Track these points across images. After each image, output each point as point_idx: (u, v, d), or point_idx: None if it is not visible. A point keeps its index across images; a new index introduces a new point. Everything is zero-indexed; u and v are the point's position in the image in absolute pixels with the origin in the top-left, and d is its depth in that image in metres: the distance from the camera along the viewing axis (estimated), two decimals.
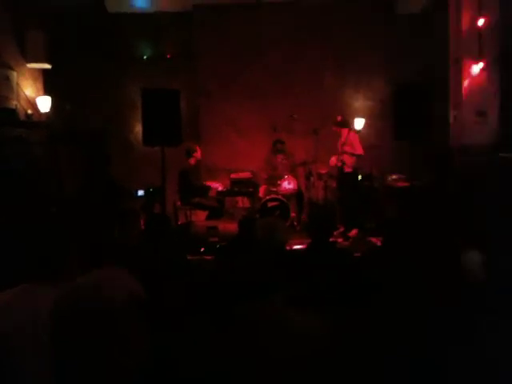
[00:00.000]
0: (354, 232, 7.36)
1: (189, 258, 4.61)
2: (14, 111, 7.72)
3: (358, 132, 8.33)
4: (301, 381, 1.74)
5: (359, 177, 7.97)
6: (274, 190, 8.31)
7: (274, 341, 1.83)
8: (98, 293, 1.44)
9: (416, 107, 6.29)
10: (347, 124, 8.10)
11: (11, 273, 2.48)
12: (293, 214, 8.21)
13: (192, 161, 7.93)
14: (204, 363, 1.77)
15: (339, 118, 8.02)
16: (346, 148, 7.83)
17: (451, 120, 7.63)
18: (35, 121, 8.16)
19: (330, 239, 4.03)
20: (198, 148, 8.03)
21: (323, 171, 8.41)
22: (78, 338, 1.41)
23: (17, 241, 2.78)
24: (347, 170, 7.87)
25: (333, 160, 8.01)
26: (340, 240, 6.96)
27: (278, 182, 8.39)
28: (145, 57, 9.13)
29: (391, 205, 7.30)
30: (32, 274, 2.37)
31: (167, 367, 1.71)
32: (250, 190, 8.44)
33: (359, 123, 8.72)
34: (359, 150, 7.87)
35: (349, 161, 7.84)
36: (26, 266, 2.37)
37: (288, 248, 5.64)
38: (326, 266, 3.45)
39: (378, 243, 5.89)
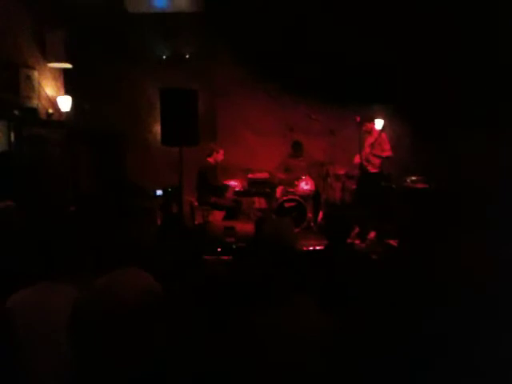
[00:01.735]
0: (371, 234, 7.30)
1: (206, 257, 4.62)
2: (35, 110, 7.81)
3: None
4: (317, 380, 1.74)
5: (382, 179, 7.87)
6: (291, 190, 8.30)
7: (283, 343, 1.83)
8: (119, 294, 1.45)
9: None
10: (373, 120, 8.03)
11: (28, 271, 2.51)
12: (309, 215, 8.19)
13: (211, 160, 7.96)
14: (220, 363, 1.77)
15: (358, 119, 7.97)
16: (375, 149, 7.77)
17: None
18: (55, 120, 8.25)
19: (347, 241, 4.01)
20: (221, 150, 8.04)
21: (341, 172, 8.38)
22: (99, 338, 1.43)
23: (35, 239, 2.81)
24: (372, 170, 7.82)
25: (357, 159, 7.93)
26: (357, 242, 6.92)
27: (296, 183, 8.37)
28: (164, 57, 9.17)
29: (409, 207, 7.24)
30: (49, 273, 2.40)
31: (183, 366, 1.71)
32: (267, 190, 8.45)
33: (379, 124, 8.65)
34: (388, 152, 7.81)
35: (376, 161, 7.79)
36: (43, 265, 2.40)
37: (305, 249, 5.63)
38: (343, 267, 3.43)
39: (395, 245, 5.84)
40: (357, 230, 7.32)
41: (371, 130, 7.95)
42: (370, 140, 7.91)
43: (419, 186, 7.54)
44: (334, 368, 1.74)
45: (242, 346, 1.78)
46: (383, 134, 7.96)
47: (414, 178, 7.82)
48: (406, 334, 1.99)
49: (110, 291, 1.51)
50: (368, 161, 7.80)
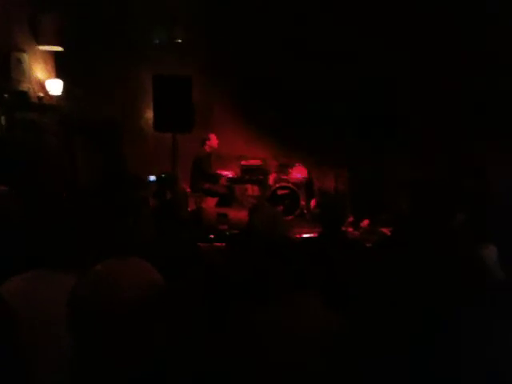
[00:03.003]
0: (365, 222, 7.31)
1: (199, 244, 4.60)
2: (25, 94, 7.71)
3: None
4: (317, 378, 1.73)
5: None
6: (284, 178, 8.29)
7: (281, 339, 1.81)
8: (117, 281, 1.43)
9: None
10: None
11: (23, 258, 2.48)
12: (302, 203, 8.19)
13: (207, 148, 7.94)
14: (220, 360, 1.76)
15: None
16: None
17: None
18: (46, 104, 8.15)
19: (341, 229, 4.01)
20: (212, 136, 8.00)
21: None
22: (96, 326, 1.40)
23: (30, 227, 2.77)
24: None
25: None
26: (350, 230, 6.93)
27: (289, 170, 8.36)
28: (157, 41, 9.07)
29: (403, 195, 7.25)
30: (44, 261, 2.37)
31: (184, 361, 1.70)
32: (260, 177, 8.43)
33: None
34: None
35: None
36: (39, 252, 2.37)
37: (298, 236, 5.64)
38: (337, 255, 3.43)
39: (389, 234, 5.85)
40: (351, 218, 7.34)
41: None
42: None
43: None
44: (334, 366, 1.73)
45: (244, 343, 1.77)
46: None
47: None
48: (404, 327, 1.98)
49: (107, 276, 1.48)
50: None
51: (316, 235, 4.12)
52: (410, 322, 1.90)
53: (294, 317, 1.85)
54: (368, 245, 4.28)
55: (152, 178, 7.73)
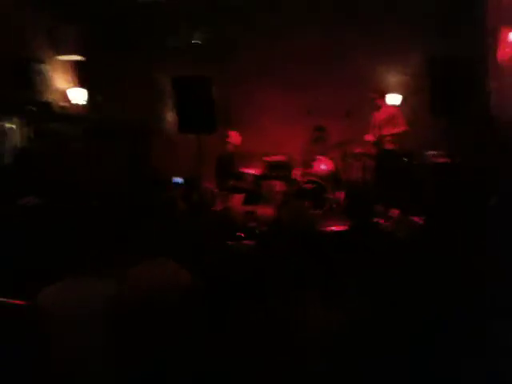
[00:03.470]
0: (395, 212, 7.19)
1: (229, 243, 4.58)
2: (47, 104, 7.80)
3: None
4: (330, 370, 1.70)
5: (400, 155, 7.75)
6: (310, 172, 8.22)
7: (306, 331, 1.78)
8: (151, 284, 1.42)
9: (455, 80, 6.10)
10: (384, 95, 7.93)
11: (55, 265, 2.50)
12: (330, 196, 8.10)
13: (230, 147, 7.94)
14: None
15: (373, 95, 7.86)
16: (387, 125, 7.65)
17: (491, 90, 7.38)
18: (70, 113, 8.23)
19: (372, 220, 3.95)
20: (232, 133, 7.99)
21: (358, 150, 8.27)
22: (135, 328, 1.40)
23: (60, 235, 2.79)
24: (389, 146, 7.71)
25: (368, 136, 7.86)
26: (381, 221, 6.82)
27: (313, 164, 8.29)
28: (177, 45, 9.07)
29: (432, 182, 7.12)
30: (75, 268, 2.38)
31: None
32: (286, 173, 8.37)
33: (395, 99, 8.52)
34: (402, 127, 7.68)
35: (389, 137, 7.67)
36: (71, 260, 2.38)
37: (328, 229, 5.56)
38: (370, 247, 3.37)
39: (421, 222, 5.74)
40: (380, 208, 7.23)
41: (380, 107, 7.84)
42: (380, 116, 7.79)
43: (441, 160, 7.41)
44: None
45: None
46: (396, 109, 7.84)
47: (434, 153, 7.69)
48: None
49: (146, 285, 1.48)
50: (381, 137, 7.69)
51: (346, 228, 4.05)
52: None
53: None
54: (400, 235, 4.20)
55: (178, 179, 7.75)
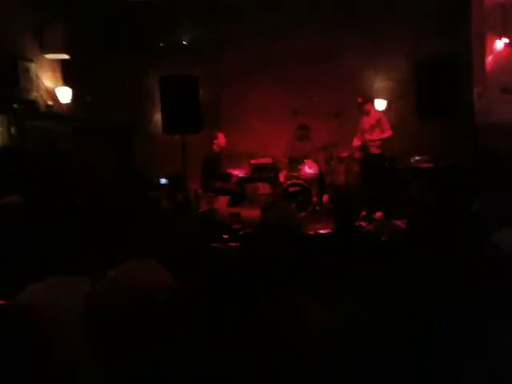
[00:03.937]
0: (378, 215, 7.26)
1: (213, 245, 4.59)
2: (34, 102, 7.74)
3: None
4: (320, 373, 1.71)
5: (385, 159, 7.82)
6: (295, 174, 8.26)
7: (295, 332, 1.79)
8: (132, 285, 1.43)
9: (440, 84, 6.15)
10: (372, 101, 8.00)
11: (40, 265, 2.49)
12: (315, 199, 8.15)
13: (215, 148, 7.95)
14: (220, 360, 1.74)
15: (360, 100, 7.91)
16: (376, 131, 7.71)
17: (475, 97, 7.47)
18: (56, 112, 8.18)
19: (355, 223, 3.97)
20: (219, 135, 8.00)
21: (344, 154, 8.32)
22: (114, 329, 1.40)
23: (43, 233, 2.78)
24: (374, 151, 7.77)
25: (355, 141, 7.92)
26: (364, 223, 6.87)
27: (299, 167, 8.32)
28: (162, 44, 9.05)
29: (415, 186, 7.18)
30: (60, 267, 2.37)
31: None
32: (271, 175, 8.40)
33: (380, 104, 8.58)
34: (388, 132, 7.75)
35: (377, 142, 7.73)
36: (55, 259, 2.37)
37: (312, 232, 5.59)
38: (353, 249, 3.40)
39: (403, 226, 5.80)
40: (364, 212, 7.28)
41: (369, 111, 7.90)
42: (369, 121, 7.85)
43: (424, 165, 7.49)
44: (334, 365, 1.71)
45: (244, 343, 1.75)
46: (382, 114, 7.92)
47: (417, 158, 7.77)
48: (404, 326, 1.93)
49: (124, 284, 1.48)
50: (368, 142, 7.75)
51: (330, 231, 4.08)
52: (410, 321, 1.87)
53: (293, 317, 1.83)
54: (383, 238, 4.23)
55: (163, 180, 7.74)
